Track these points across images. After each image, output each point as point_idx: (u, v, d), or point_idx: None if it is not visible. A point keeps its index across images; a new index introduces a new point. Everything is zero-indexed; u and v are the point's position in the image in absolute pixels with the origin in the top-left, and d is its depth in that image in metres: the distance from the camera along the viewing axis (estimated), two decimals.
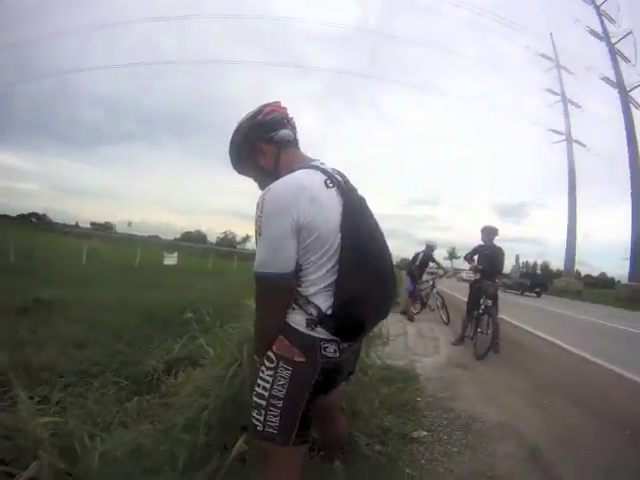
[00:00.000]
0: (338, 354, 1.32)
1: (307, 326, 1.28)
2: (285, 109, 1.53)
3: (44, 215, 69.16)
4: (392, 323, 7.76)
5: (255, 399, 1.32)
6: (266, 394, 1.29)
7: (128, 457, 1.61)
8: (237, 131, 1.52)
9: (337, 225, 1.29)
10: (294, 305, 1.31)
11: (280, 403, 1.27)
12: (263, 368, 1.32)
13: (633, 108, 29.62)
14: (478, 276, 6.18)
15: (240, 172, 1.57)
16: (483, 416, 3.27)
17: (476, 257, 6.31)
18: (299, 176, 1.33)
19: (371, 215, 1.45)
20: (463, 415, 3.28)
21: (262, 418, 1.28)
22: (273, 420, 1.27)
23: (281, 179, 1.31)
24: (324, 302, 1.28)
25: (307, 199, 1.25)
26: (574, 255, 36.87)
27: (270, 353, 1.31)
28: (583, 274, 63.67)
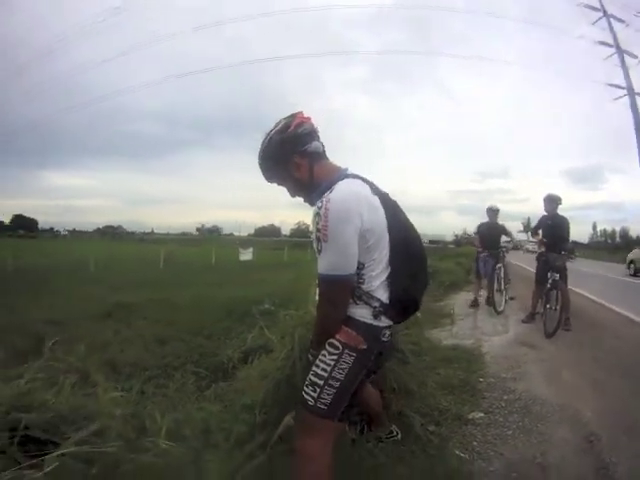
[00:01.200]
0: (390, 337, 1.56)
1: (375, 317, 1.47)
2: (310, 119, 1.60)
3: (119, 227, 73.42)
4: (461, 302, 7.75)
5: (312, 378, 1.50)
6: (325, 375, 1.47)
7: (195, 434, 1.85)
8: (269, 144, 1.57)
9: (385, 226, 1.49)
10: (357, 301, 1.48)
11: (338, 384, 1.46)
12: (325, 353, 1.49)
13: None
14: (543, 249, 5.89)
15: (270, 182, 1.65)
16: (543, 398, 3.19)
17: (541, 230, 6.01)
18: (353, 186, 1.47)
19: (404, 214, 1.64)
20: (523, 396, 3.22)
21: (316, 395, 1.47)
22: (326, 397, 1.46)
23: (338, 189, 1.42)
24: (383, 294, 1.49)
25: (366, 206, 1.43)
26: None
27: (335, 341, 1.47)
28: None
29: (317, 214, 1.40)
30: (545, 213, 5.96)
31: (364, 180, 1.55)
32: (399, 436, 2.35)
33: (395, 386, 2.57)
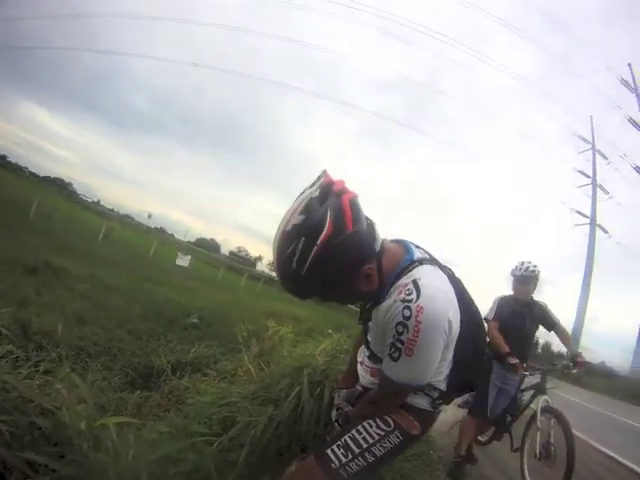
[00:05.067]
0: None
1: (434, 409, 1.38)
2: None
3: (69, 183, 67.02)
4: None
5: (348, 441, 1.32)
6: (364, 445, 1.31)
7: (156, 461, 1.41)
8: (314, 251, 1.06)
9: (459, 319, 1.22)
10: (417, 391, 1.33)
11: (372, 459, 1.30)
12: (372, 423, 1.33)
13: None
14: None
15: (306, 298, 1.23)
16: None
17: None
18: (439, 282, 1.21)
19: (471, 298, 1.41)
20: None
21: (344, 460, 1.28)
22: (353, 468, 1.28)
23: (426, 292, 1.11)
24: (443, 384, 1.35)
25: (453, 309, 1.18)
26: (579, 340, 35.83)
27: (389, 419, 1.34)
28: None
29: (401, 323, 1.11)
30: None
31: (437, 263, 1.30)
32: None
33: None
